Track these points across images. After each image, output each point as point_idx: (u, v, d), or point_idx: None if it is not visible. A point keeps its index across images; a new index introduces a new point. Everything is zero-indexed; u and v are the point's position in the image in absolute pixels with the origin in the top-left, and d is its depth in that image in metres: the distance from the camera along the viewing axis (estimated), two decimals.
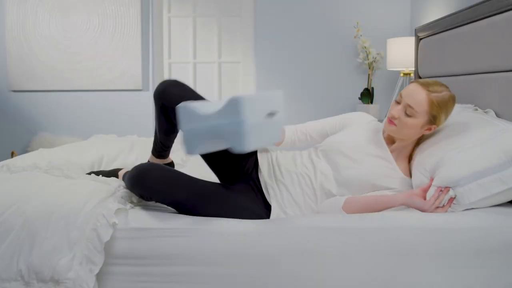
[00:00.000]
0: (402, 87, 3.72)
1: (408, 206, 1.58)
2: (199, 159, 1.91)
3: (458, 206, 1.53)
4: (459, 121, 1.78)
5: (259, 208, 1.68)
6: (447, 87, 1.69)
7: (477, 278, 1.45)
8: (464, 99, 2.29)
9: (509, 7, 1.94)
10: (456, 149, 1.60)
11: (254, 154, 1.81)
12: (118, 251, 1.48)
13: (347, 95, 4.10)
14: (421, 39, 2.99)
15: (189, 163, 2.46)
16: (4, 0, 4.05)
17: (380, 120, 3.55)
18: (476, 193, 1.50)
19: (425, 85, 1.66)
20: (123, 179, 1.83)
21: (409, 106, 1.65)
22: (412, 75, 3.55)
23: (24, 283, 1.44)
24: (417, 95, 1.65)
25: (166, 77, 4.67)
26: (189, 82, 4.68)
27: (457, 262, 1.45)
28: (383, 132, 1.81)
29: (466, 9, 2.33)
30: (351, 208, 1.60)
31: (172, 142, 1.90)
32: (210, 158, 1.80)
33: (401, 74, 3.57)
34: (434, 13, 3.38)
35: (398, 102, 1.71)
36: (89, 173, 1.97)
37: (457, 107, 2.05)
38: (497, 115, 1.97)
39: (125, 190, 1.66)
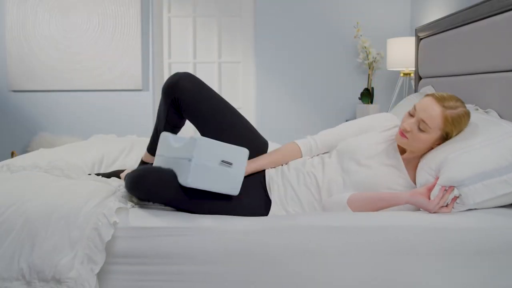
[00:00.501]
0: (402, 87, 3.73)
1: (412, 204, 1.58)
2: None
3: (462, 206, 1.53)
4: None
5: (259, 205, 1.69)
6: (462, 102, 1.67)
7: (477, 279, 1.45)
8: (464, 99, 2.28)
9: (509, 7, 1.94)
10: (462, 149, 1.59)
11: (265, 151, 1.83)
12: (119, 250, 1.48)
13: (347, 95, 4.10)
14: (421, 39, 2.99)
15: None
16: (4, 0, 4.05)
17: None
18: (481, 194, 1.50)
19: (441, 100, 1.63)
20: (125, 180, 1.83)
21: (423, 121, 1.62)
22: (412, 75, 3.55)
23: (26, 282, 1.44)
24: (431, 110, 1.62)
25: (166, 77, 4.67)
26: None
27: (457, 262, 1.45)
28: None
29: (466, 9, 2.33)
30: (355, 204, 1.60)
31: None
32: None
33: (401, 74, 3.58)
34: (434, 13, 3.39)
35: (411, 115, 1.68)
36: (89, 175, 1.97)
37: None
38: (498, 115, 1.97)
39: (126, 189, 1.66)
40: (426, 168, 1.64)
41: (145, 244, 1.47)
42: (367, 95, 3.84)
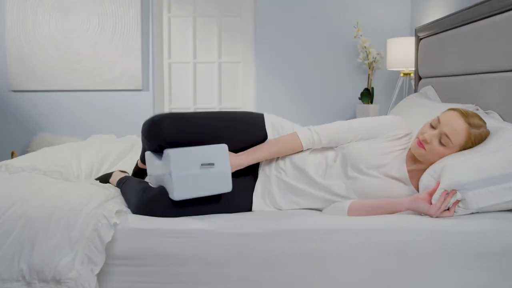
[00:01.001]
0: (402, 87, 3.73)
1: (414, 211, 1.57)
2: None
3: (465, 210, 1.52)
4: None
5: (246, 197, 1.71)
6: (485, 122, 1.65)
7: (477, 281, 1.45)
8: (464, 99, 2.29)
9: (509, 7, 1.94)
10: (468, 154, 1.58)
11: (263, 131, 1.78)
12: (119, 251, 1.48)
13: (347, 95, 4.10)
14: (421, 39, 2.99)
15: None
16: (4, 0, 4.05)
17: None
18: (487, 199, 1.49)
19: (466, 117, 1.60)
20: (117, 185, 1.84)
21: (446, 135, 1.59)
22: (412, 75, 3.55)
23: (26, 283, 1.44)
24: (457, 126, 1.59)
25: (166, 77, 4.67)
26: (189, 82, 4.68)
27: (458, 264, 1.45)
28: (409, 149, 1.72)
29: (466, 9, 2.33)
30: (355, 212, 1.60)
31: None
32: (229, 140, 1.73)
33: (401, 74, 3.58)
34: (434, 13, 3.38)
35: (433, 127, 1.64)
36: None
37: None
38: (500, 116, 1.96)
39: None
40: (429, 171, 1.63)
41: (145, 245, 1.48)
42: (367, 95, 3.84)
